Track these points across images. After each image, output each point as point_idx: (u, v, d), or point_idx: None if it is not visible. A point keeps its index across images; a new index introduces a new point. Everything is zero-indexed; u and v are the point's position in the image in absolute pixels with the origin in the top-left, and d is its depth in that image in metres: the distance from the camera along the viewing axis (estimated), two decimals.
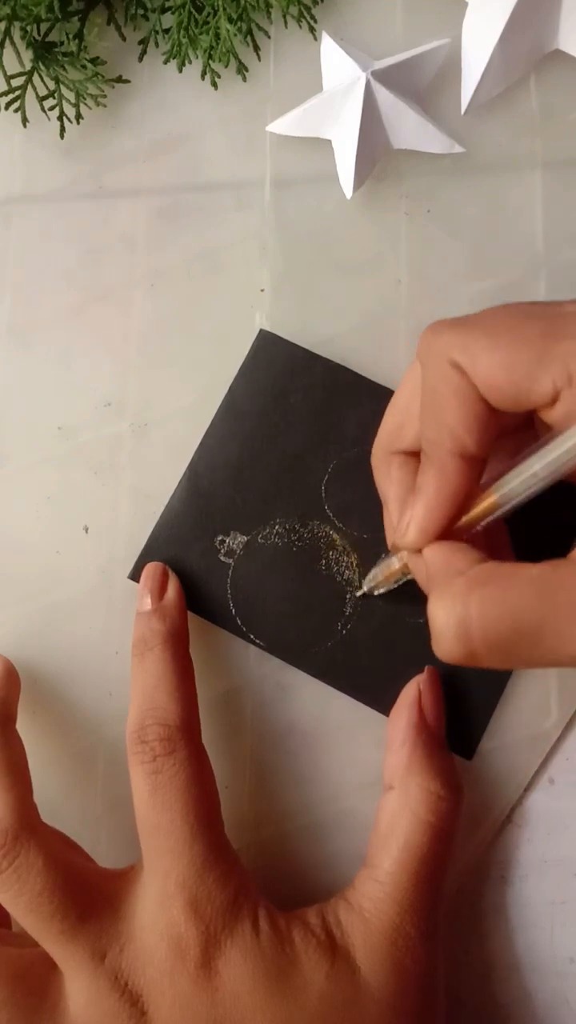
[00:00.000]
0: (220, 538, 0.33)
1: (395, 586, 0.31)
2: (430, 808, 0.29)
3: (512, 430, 0.27)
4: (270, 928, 0.28)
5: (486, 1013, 0.32)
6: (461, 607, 0.23)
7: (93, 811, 0.33)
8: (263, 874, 0.32)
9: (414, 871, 0.28)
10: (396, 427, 0.29)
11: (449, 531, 0.27)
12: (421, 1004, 0.28)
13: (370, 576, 0.32)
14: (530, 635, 0.23)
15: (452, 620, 0.24)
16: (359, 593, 0.32)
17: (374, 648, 0.32)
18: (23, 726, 0.31)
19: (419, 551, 0.27)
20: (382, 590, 0.32)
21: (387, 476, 0.29)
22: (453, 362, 0.25)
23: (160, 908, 0.27)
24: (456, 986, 0.31)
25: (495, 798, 0.32)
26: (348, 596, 0.33)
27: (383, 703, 0.32)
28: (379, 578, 0.31)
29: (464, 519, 0.27)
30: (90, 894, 0.28)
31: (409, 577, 0.30)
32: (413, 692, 0.31)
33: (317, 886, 0.32)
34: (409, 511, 0.27)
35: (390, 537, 0.30)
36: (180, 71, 0.36)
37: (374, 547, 0.33)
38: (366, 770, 0.32)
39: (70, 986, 0.27)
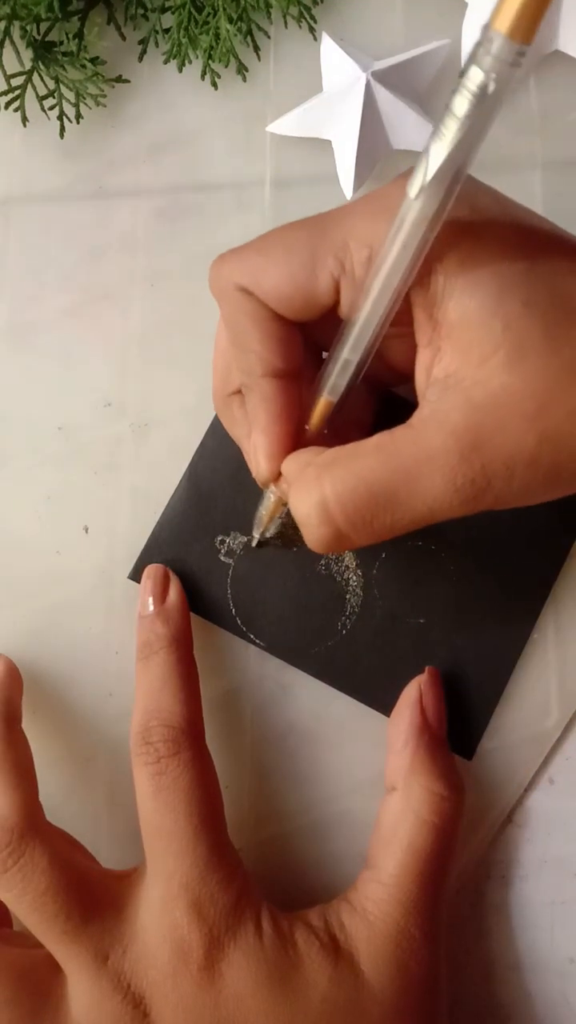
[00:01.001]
0: (220, 538, 0.33)
1: (281, 526, 0.31)
2: (433, 809, 0.29)
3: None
4: (273, 930, 0.28)
5: (486, 1013, 0.32)
6: (316, 491, 0.24)
7: (94, 811, 0.33)
8: (263, 874, 0.32)
9: (417, 872, 0.28)
10: (224, 370, 0.29)
11: (299, 445, 0.27)
12: (424, 1005, 0.28)
13: (256, 520, 0.32)
14: (385, 499, 0.24)
15: (310, 505, 0.24)
16: (254, 542, 0.32)
17: (374, 648, 0.32)
18: (23, 726, 0.31)
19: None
20: (273, 530, 0.32)
21: (232, 419, 0.30)
22: (239, 287, 0.26)
23: (163, 910, 0.27)
24: (456, 986, 0.31)
25: (495, 798, 0.32)
26: (348, 596, 0.33)
27: (383, 703, 0.32)
28: (264, 518, 0.31)
29: (309, 429, 0.27)
30: (94, 895, 0.28)
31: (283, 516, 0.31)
32: (414, 693, 0.31)
33: (317, 886, 0.32)
34: (253, 446, 0.28)
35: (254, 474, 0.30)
36: (180, 71, 0.36)
37: (373, 547, 0.33)
38: (366, 770, 0.32)
39: (72, 987, 0.27)
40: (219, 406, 0.30)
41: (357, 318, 0.25)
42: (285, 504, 0.30)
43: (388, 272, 0.23)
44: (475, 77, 0.20)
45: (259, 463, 0.28)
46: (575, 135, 0.35)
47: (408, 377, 0.27)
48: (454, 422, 0.23)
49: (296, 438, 0.27)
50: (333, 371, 0.26)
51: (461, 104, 0.20)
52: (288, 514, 0.30)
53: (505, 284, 0.23)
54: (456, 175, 0.22)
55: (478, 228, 0.24)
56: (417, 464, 0.23)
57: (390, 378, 0.29)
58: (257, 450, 0.27)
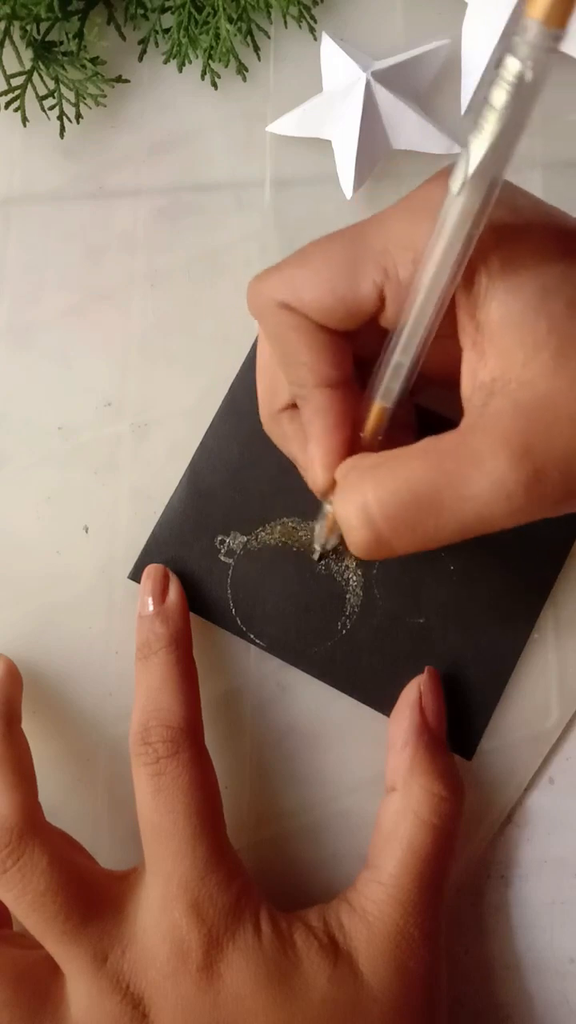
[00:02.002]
0: (220, 538, 0.33)
1: (340, 536, 0.31)
2: (433, 809, 0.29)
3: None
4: (272, 930, 0.28)
5: (486, 1013, 0.32)
6: (359, 493, 0.24)
7: (93, 811, 0.33)
8: (263, 874, 0.32)
9: (417, 872, 0.28)
10: (270, 390, 0.29)
11: (354, 454, 0.27)
12: (423, 1005, 0.28)
13: (316, 533, 0.32)
14: (429, 503, 0.23)
15: (353, 508, 0.24)
16: (315, 555, 0.32)
17: (374, 648, 0.32)
18: (23, 726, 0.31)
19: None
20: (333, 542, 0.32)
21: (283, 436, 0.30)
22: (281, 303, 0.25)
23: (162, 911, 0.27)
24: (456, 986, 0.31)
25: (495, 798, 0.32)
26: (348, 596, 0.33)
27: (383, 703, 0.32)
28: (324, 530, 0.31)
29: (364, 437, 0.27)
30: (93, 895, 0.28)
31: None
32: (414, 693, 0.31)
33: (317, 886, 0.32)
34: (308, 460, 0.27)
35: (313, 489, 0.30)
36: (180, 71, 0.36)
37: None
38: (366, 770, 0.32)
39: (72, 988, 0.27)
40: (268, 424, 0.30)
41: (406, 320, 0.24)
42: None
43: (435, 271, 0.23)
44: (512, 67, 0.20)
45: (316, 474, 0.27)
46: (575, 135, 0.35)
47: (451, 383, 0.26)
48: (502, 427, 0.23)
49: (351, 447, 0.27)
50: (385, 376, 0.26)
51: (499, 96, 0.20)
52: None
53: (548, 285, 0.23)
54: (498, 169, 0.21)
55: (518, 230, 0.24)
56: (464, 469, 0.23)
57: (435, 383, 0.28)
58: (314, 461, 0.27)
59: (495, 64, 0.20)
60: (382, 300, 0.25)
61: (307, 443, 0.28)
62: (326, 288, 0.25)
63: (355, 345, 0.27)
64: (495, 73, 0.20)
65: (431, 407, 0.31)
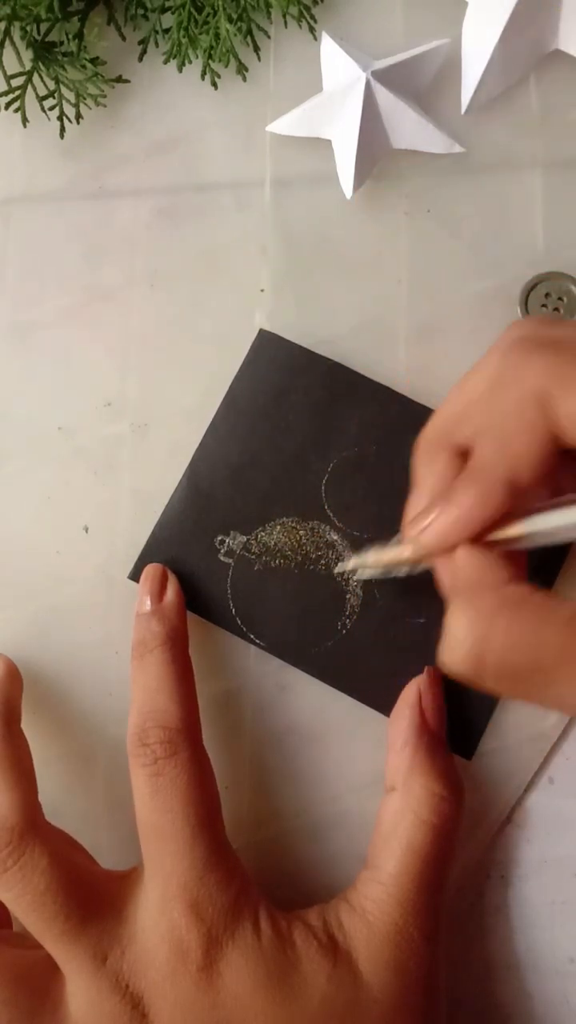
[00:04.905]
0: (220, 538, 0.33)
1: (387, 575, 0.30)
2: (432, 809, 0.29)
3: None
4: (271, 930, 0.28)
5: (486, 1013, 0.32)
6: (485, 626, 0.23)
7: (93, 811, 0.33)
8: (263, 874, 0.32)
9: (417, 872, 0.28)
10: (456, 417, 0.27)
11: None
12: (423, 1005, 0.28)
13: (366, 555, 0.30)
14: (544, 675, 0.22)
15: (472, 637, 0.23)
16: (337, 570, 0.32)
17: (374, 648, 0.32)
18: (23, 726, 0.31)
19: (447, 552, 0.26)
20: (370, 574, 0.31)
21: (429, 465, 0.28)
22: (538, 394, 0.23)
23: (161, 911, 0.27)
24: (456, 986, 0.31)
25: (495, 798, 0.32)
26: (348, 596, 0.33)
27: (383, 703, 0.32)
28: (368, 560, 0.30)
29: (487, 536, 0.26)
30: (93, 895, 0.28)
31: (406, 572, 0.30)
32: (413, 693, 0.31)
33: (317, 886, 0.32)
34: (436, 513, 0.26)
35: (407, 523, 0.28)
36: (180, 71, 0.36)
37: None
38: (366, 770, 0.32)
39: (71, 987, 0.27)
40: (426, 445, 0.28)
41: None
42: (412, 565, 0.29)
43: None
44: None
45: (427, 535, 0.26)
46: (575, 135, 0.35)
47: None
48: None
49: (477, 539, 0.26)
50: (553, 521, 0.24)
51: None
52: (398, 573, 0.29)
53: None
54: None
55: None
56: None
57: None
58: (435, 526, 0.25)
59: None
60: None
61: (444, 502, 0.26)
62: None
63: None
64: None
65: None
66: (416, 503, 0.28)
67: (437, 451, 0.27)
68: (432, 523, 0.26)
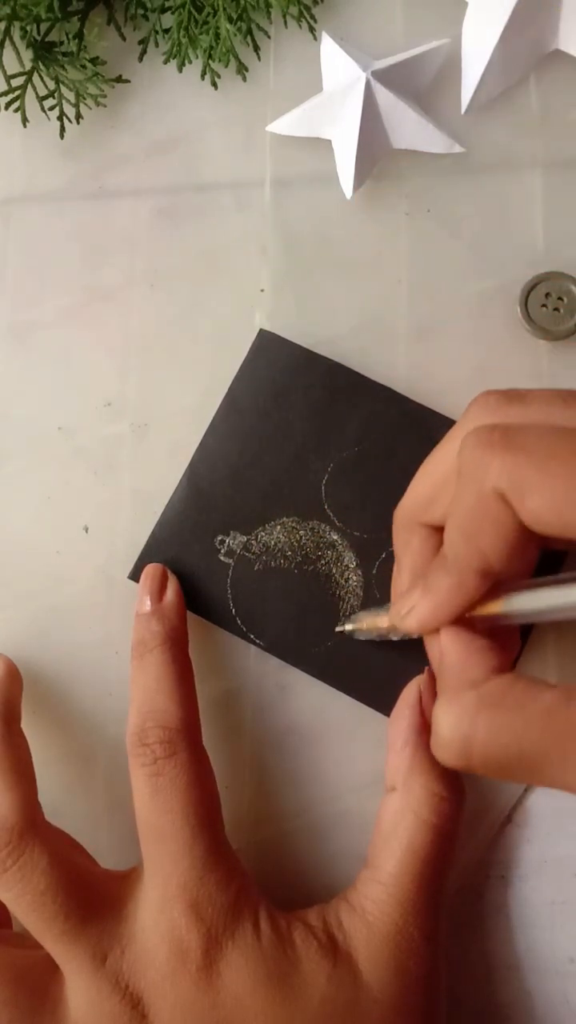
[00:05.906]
0: (220, 538, 0.33)
1: (383, 639, 0.31)
2: (433, 809, 0.29)
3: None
4: (271, 930, 0.28)
5: (486, 1013, 0.32)
6: (468, 725, 0.24)
7: (93, 811, 0.33)
8: (263, 874, 0.32)
9: (417, 872, 0.28)
10: (426, 499, 0.28)
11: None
12: (423, 1005, 0.28)
13: (356, 616, 0.32)
14: (530, 763, 0.23)
15: (457, 736, 0.24)
16: (337, 628, 0.32)
17: (374, 648, 0.32)
18: (23, 726, 0.31)
19: (433, 631, 0.27)
20: (363, 637, 0.32)
21: (406, 544, 0.29)
22: (499, 492, 0.24)
23: (161, 911, 0.27)
24: (456, 986, 0.31)
25: (495, 798, 0.32)
26: (348, 596, 0.33)
27: (383, 703, 0.32)
28: (363, 625, 0.31)
29: (468, 614, 0.27)
30: (93, 895, 0.28)
31: (391, 637, 0.31)
32: (413, 693, 0.31)
33: (317, 886, 0.32)
34: (415, 598, 0.27)
35: (393, 599, 0.30)
36: (180, 71, 0.36)
37: (374, 547, 0.33)
38: (366, 770, 0.32)
39: (71, 987, 0.27)
40: (401, 524, 0.29)
41: None
42: (391, 635, 0.30)
43: None
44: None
45: (408, 619, 0.27)
46: (575, 135, 0.35)
47: None
48: None
49: (457, 620, 0.26)
50: (530, 603, 0.25)
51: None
52: (382, 638, 0.31)
53: None
54: None
55: None
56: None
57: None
58: (416, 611, 0.27)
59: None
60: None
61: (422, 588, 0.27)
62: (555, 505, 0.23)
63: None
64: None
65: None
66: (399, 582, 0.29)
67: (412, 529, 0.29)
68: (413, 609, 0.27)
